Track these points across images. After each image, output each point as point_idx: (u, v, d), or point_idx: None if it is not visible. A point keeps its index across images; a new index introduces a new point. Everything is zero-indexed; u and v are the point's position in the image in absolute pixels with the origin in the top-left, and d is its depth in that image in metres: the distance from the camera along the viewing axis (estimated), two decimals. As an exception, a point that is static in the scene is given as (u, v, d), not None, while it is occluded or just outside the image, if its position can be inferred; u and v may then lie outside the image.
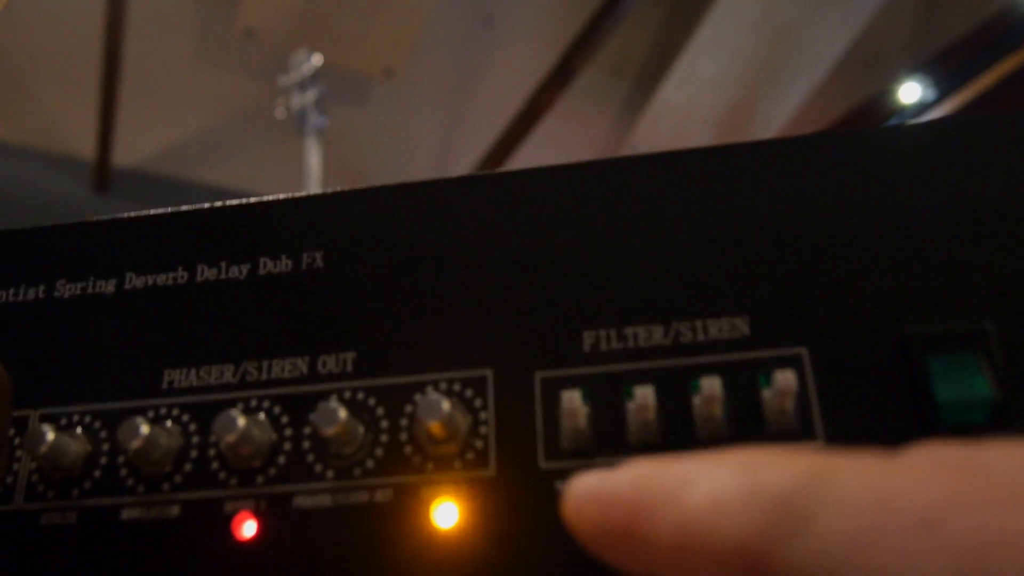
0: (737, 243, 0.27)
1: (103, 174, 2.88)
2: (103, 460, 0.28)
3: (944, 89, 2.59)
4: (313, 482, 0.27)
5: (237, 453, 0.27)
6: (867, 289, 0.26)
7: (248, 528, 0.26)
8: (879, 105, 2.75)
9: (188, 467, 0.28)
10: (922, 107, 2.64)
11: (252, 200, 0.31)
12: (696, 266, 0.27)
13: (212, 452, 0.28)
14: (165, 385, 0.29)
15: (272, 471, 0.27)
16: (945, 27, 2.70)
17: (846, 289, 0.26)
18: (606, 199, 0.28)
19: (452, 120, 2.99)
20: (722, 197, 0.28)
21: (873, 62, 2.77)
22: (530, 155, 2.86)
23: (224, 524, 0.27)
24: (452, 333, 0.28)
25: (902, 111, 2.68)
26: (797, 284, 0.26)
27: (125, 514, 0.27)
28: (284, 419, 0.28)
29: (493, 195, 0.29)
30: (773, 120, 2.92)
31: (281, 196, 0.30)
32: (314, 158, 2.12)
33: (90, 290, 0.31)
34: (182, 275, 0.30)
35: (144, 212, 0.32)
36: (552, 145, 2.97)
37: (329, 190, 0.30)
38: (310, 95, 2.13)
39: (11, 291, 0.31)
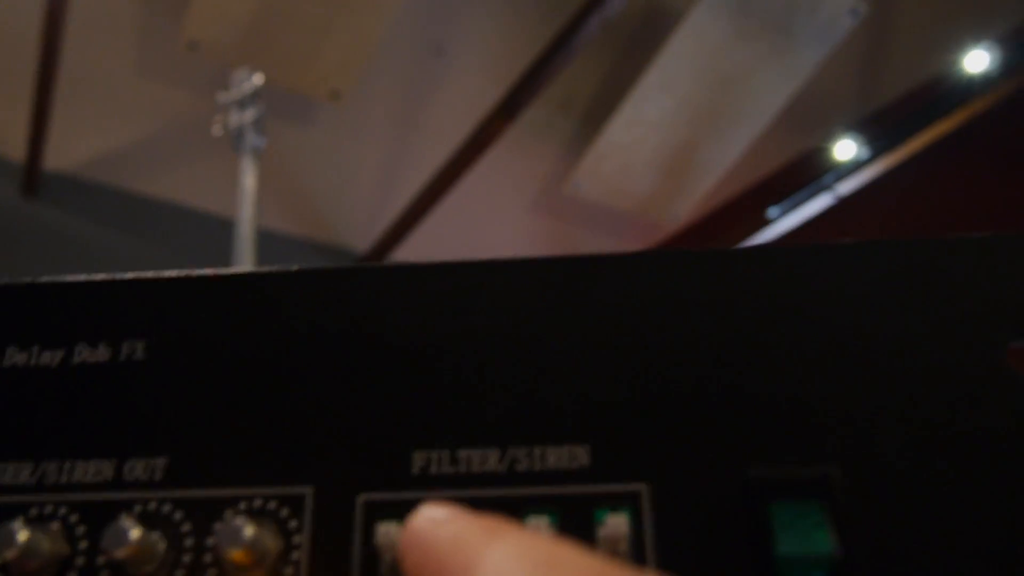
0: (583, 364, 0.25)
1: (33, 178, 2.78)
2: None
3: (877, 148, 2.66)
4: (102, 606, 0.24)
5: (20, 569, 0.24)
6: (717, 423, 0.24)
7: (24, 654, 0.24)
8: (815, 160, 2.82)
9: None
10: (856, 164, 2.71)
11: (72, 279, 0.28)
12: (538, 386, 0.25)
13: (-5, 564, 0.25)
14: None
15: None
16: (882, 89, 2.78)
17: (695, 422, 0.24)
18: (447, 307, 0.26)
19: (396, 147, 2.97)
20: (569, 313, 0.26)
21: (812, 117, 2.83)
22: (474, 187, 2.85)
23: (-3, 649, 0.24)
24: (274, 443, 0.25)
25: (837, 168, 2.75)
26: (643, 413, 0.25)
27: None
28: (79, 530, 0.25)
29: (331, 292, 0.27)
30: (714, 167, 2.96)
31: (104, 276, 0.28)
32: (249, 178, 2.07)
33: None
34: None
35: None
36: (496, 178, 2.97)
37: (157, 274, 0.28)
38: (249, 114, 2.08)
39: None
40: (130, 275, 0.28)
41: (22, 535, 0.23)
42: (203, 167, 2.84)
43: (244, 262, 2.06)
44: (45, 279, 0.28)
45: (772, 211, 2.90)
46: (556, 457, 0.24)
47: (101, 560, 0.25)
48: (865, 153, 2.65)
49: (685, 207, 3.10)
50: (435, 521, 0.19)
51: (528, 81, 2.56)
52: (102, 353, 0.27)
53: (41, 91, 2.49)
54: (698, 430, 0.24)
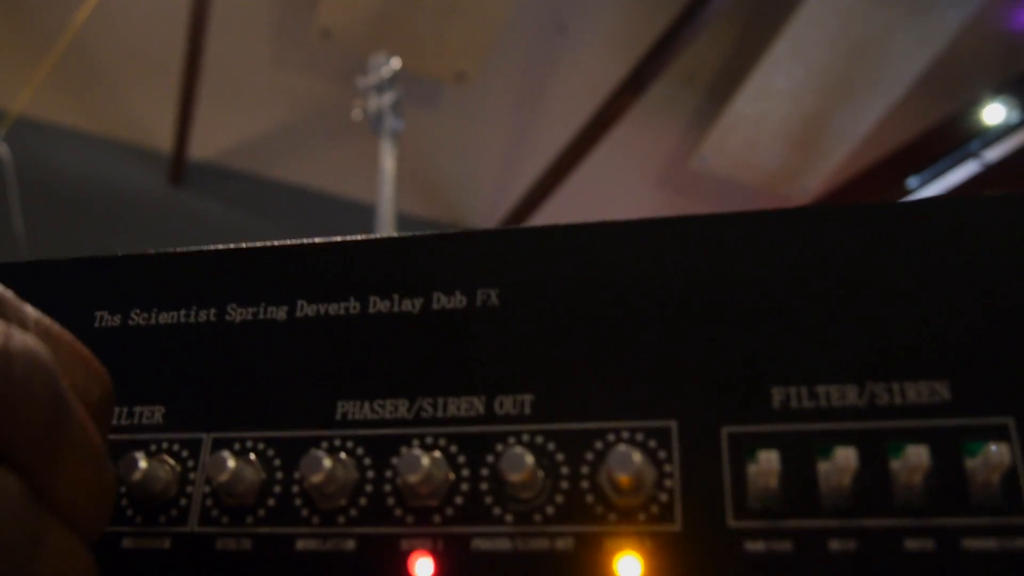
0: (937, 301, 0.26)
1: (179, 167, 2.95)
2: (277, 489, 0.28)
3: (1031, 111, 2.51)
4: (492, 525, 0.26)
5: (416, 492, 0.27)
6: None
7: (423, 567, 0.26)
8: (959, 125, 2.68)
9: (363, 501, 0.28)
10: (1006, 129, 2.57)
11: (425, 233, 0.31)
12: (893, 324, 0.26)
13: (388, 488, 0.28)
14: (339, 416, 0.29)
15: (449, 511, 0.27)
16: (1034, 47, 2.62)
17: None
18: (798, 249, 0.28)
19: (523, 125, 3.00)
20: (923, 250, 0.27)
21: (955, 80, 2.70)
22: (599, 163, 2.85)
23: (400, 561, 0.27)
24: (634, 380, 0.27)
25: (984, 132, 2.61)
26: (1002, 347, 0.25)
27: (300, 544, 0.27)
28: (461, 459, 0.27)
29: (680, 240, 0.29)
30: (847, 136, 2.87)
31: (455, 230, 0.30)
32: (389, 161, 2.13)
33: (261, 316, 0.31)
34: (354, 306, 0.30)
35: (316, 239, 0.32)
36: (621, 155, 2.96)
37: (505, 227, 0.30)
38: (387, 98, 2.14)
39: (182, 312, 0.32)
40: (480, 229, 0.30)
41: (425, 461, 0.26)
42: (339, 151, 2.94)
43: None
44: (401, 234, 0.31)
45: (912, 181, 2.78)
46: (916, 392, 0.25)
47: (485, 485, 0.27)
48: (1016, 116, 2.50)
49: (816, 180, 3.01)
50: None
51: (655, 55, 2.54)
52: (458, 300, 0.30)
53: (186, 85, 2.63)
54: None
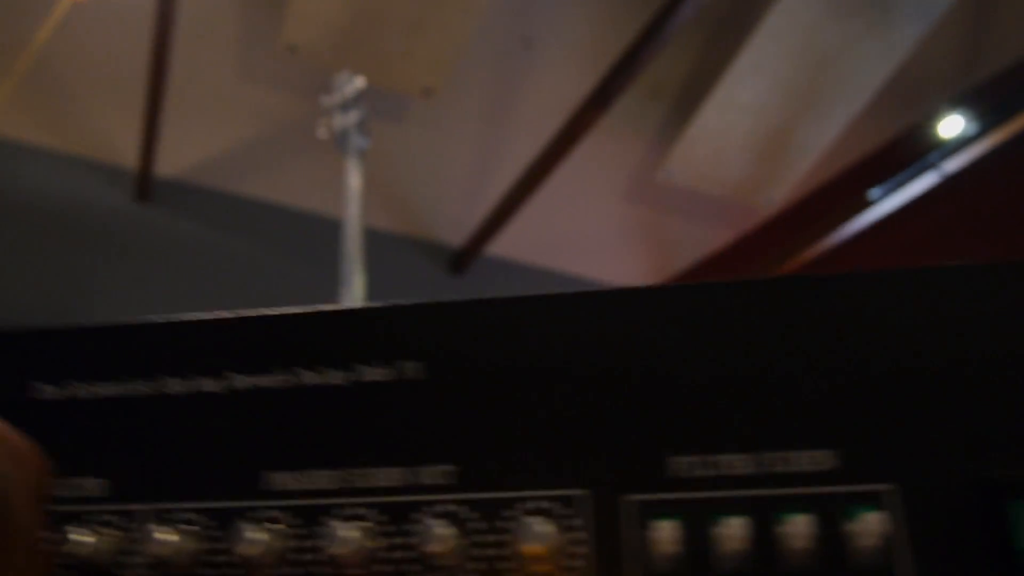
0: (827, 374, 0.28)
1: (146, 184, 2.93)
2: (212, 559, 0.29)
3: (986, 123, 2.57)
4: (414, 595, 0.28)
5: (341, 562, 0.28)
6: (958, 427, 0.27)
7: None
8: (918, 137, 2.74)
9: (288, 571, 0.29)
10: (963, 141, 2.62)
11: (352, 307, 0.32)
12: (785, 395, 0.28)
13: (311, 556, 0.29)
14: (267, 486, 0.30)
15: None
16: (991, 60, 2.68)
17: (937, 426, 0.27)
18: (702, 323, 0.29)
19: (489, 140, 3.01)
20: (813, 326, 0.29)
21: (914, 93, 2.75)
22: (566, 177, 2.87)
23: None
24: (548, 450, 0.29)
25: (942, 145, 2.66)
26: (887, 418, 0.27)
27: (235, 614, 0.29)
28: (385, 528, 0.29)
29: (593, 313, 0.30)
30: (810, 148, 2.91)
31: (381, 303, 0.32)
32: (355, 179, 2.13)
33: (196, 388, 0.32)
34: (284, 378, 0.32)
35: (245, 312, 0.33)
36: (588, 168, 2.98)
37: (430, 300, 0.31)
38: (352, 116, 2.14)
39: (118, 386, 0.33)
40: (404, 302, 0.32)
41: (341, 532, 0.27)
42: (306, 167, 2.94)
43: (353, 260, 2.12)
44: (327, 308, 0.32)
45: (873, 192, 2.83)
46: (806, 460, 0.27)
47: (406, 553, 0.28)
48: (973, 129, 2.55)
49: (781, 191, 3.06)
50: None
51: (620, 69, 2.56)
52: (383, 372, 0.31)
53: (151, 102, 2.61)
54: (942, 432, 0.27)
